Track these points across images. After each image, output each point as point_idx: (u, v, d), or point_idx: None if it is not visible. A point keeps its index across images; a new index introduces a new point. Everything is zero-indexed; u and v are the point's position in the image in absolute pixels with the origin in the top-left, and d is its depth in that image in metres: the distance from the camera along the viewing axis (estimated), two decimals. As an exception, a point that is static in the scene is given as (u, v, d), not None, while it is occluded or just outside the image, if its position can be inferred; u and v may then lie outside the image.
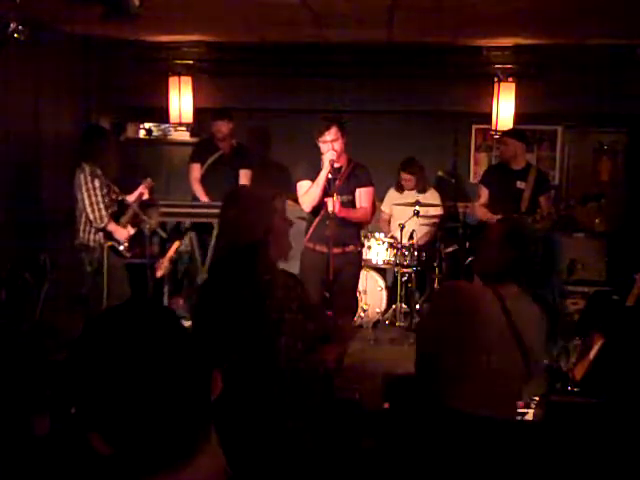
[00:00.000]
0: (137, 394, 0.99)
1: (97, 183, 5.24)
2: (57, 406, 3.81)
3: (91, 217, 5.26)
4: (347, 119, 4.93)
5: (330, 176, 4.69)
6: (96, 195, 5.24)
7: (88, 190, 5.23)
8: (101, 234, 5.32)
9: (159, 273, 5.98)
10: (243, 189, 3.92)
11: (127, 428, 1.00)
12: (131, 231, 5.45)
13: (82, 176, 5.24)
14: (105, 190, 5.32)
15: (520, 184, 5.59)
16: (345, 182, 4.83)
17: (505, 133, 5.87)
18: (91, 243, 5.34)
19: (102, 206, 5.26)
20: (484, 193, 5.85)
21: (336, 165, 4.73)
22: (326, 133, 4.69)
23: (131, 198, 5.47)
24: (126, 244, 5.43)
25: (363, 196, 4.87)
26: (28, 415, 1.71)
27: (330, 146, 4.69)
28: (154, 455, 1.02)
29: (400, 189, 6.53)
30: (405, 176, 6.42)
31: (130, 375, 1.00)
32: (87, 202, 5.23)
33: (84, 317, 5.82)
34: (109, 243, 5.31)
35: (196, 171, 6.10)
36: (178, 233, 6.26)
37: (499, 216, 5.50)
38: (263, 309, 2.35)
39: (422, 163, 6.50)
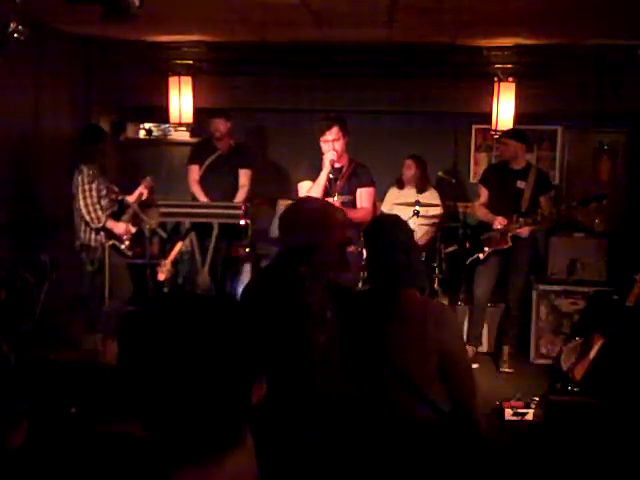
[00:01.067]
0: (183, 382, 1.00)
1: (94, 185, 5.26)
2: (55, 404, 3.81)
3: (87, 218, 5.27)
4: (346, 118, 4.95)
5: (331, 176, 4.69)
6: (92, 197, 5.25)
7: (84, 192, 5.25)
8: (102, 234, 5.32)
9: (161, 276, 5.99)
10: (308, 197, 3.91)
11: (166, 416, 1.01)
12: (132, 229, 5.46)
13: (80, 178, 5.26)
14: (104, 191, 5.33)
15: (520, 184, 5.57)
16: (346, 182, 4.83)
17: (505, 134, 5.83)
18: (92, 243, 5.34)
19: (98, 207, 5.27)
20: (484, 193, 5.83)
21: (337, 165, 4.73)
22: (327, 132, 4.69)
23: (131, 198, 5.48)
24: (127, 242, 5.43)
25: (364, 196, 4.87)
26: (1, 427, 1.70)
27: (331, 146, 4.70)
28: (184, 447, 1.02)
29: (400, 185, 6.52)
30: (408, 162, 6.41)
31: (178, 363, 1.00)
32: (82, 203, 5.25)
33: (84, 317, 5.84)
34: (110, 242, 5.32)
35: (195, 173, 6.08)
36: (178, 234, 6.26)
37: (500, 217, 5.51)
38: (304, 307, 2.36)
39: (421, 162, 6.50)
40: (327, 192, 4.70)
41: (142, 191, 5.56)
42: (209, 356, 1.01)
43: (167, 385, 1.00)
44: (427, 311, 2.58)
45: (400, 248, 2.63)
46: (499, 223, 5.48)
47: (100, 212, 5.28)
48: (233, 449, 1.04)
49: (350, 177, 4.85)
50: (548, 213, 5.41)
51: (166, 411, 1.01)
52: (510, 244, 5.46)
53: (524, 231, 5.42)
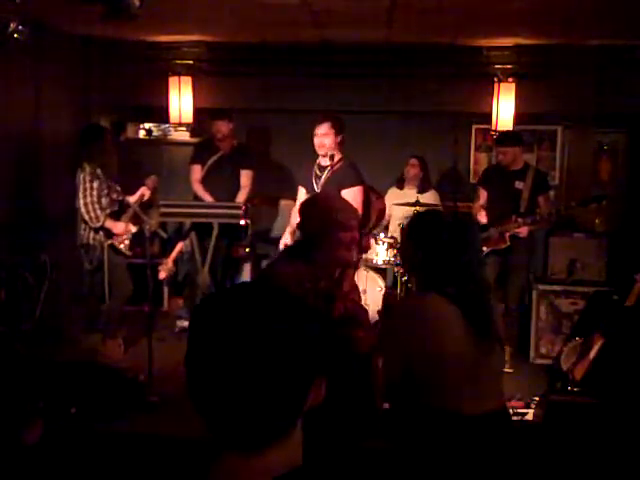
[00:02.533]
0: (245, 374, 1.01)
1: (95, 184, 5.26)
2: (55, 404, 3.81)
3: (86, 217, 5.27)
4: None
5: (317, 172, 4.75)
6: (92, 195, 5.25)
7: (85, 190, 5.25)
8: (102, 233, 5.33)
9: (162, 275, 5.99)
10: (326, 193, 4.03)
11: (223, 405, 1.03)
12: (132, 228, 5.46)
13: (82, 176, 5.27)
14: (105, 190, 5.33)
15: (518, 184, 5.57)
16: (328, 182, 4.87)
17: (500, 143, 5.71)
18: (91, 241, 5.34)
19: (97, 206, 5.27)
20: (482, 194, 5.83)
21: (324, 163, 4.78)
22: (317, 127, 4.77)
23: (132, 199, 5.47)
24: (127, 242, 5.43)
25: (348, 197, 4.87)
26: (17, 424, 1.71)
27: (320, 141, 4.76)
28: (233, 434, 1.04)
29: (401, 185, 6.52)
30: (413, 161, 6.41)
31: (244, 355, 1.01)
32: (82, 202, 5.26)
33: (84, 317, 5.85)
34: (109, 242, 5.32)
35: (197, 172, 6.09)
36: (180, 234, 6.27)
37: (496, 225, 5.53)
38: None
39: (424, 162, 6.51)
40: (312, 189, 4.78)
41: (144, 192, 5.55)
42: (274, 353, 1.02)
43: (228, 376, 1.02)
44: None
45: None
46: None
47: (99, 211, 5.28)
48: (280, 441, 1.06)
49: (332, 176, 4.89)
50: (547, 213, 5.41)
51: (224, 401, 1.03)
52: (508, 244, 5.47)
53: (523, 231, 5.43)
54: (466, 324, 2.34)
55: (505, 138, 5.76)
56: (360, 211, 5.06)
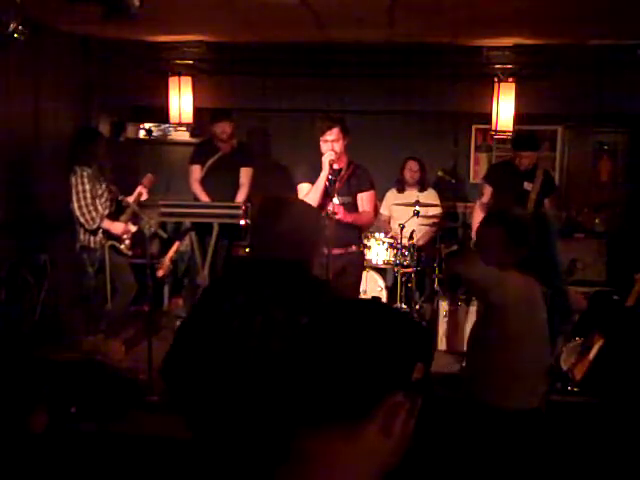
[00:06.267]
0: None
1: (88, 186, 5.26)
2: (55, 403, 3.81)
3: (82, 220, 5.27)
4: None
5: (330, 177, 4.68)
6: (85, 198, 5.25)
7: (78, 193, 5.25)
8: (101, 234, 5.33)
9: (160, 272, 5.98)
10: (297, 201, 3.68)
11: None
12: (132, 228, 5.45)
13: (73, 179, 5.27)
14: (100, 191, 5.33)
15: (527, 185, 5.50)
16: (345, 184, 4.82)
17: (521, 148, 5.56)
18: (92, 244, 5.34)
19: (92, 208, 5.27)
20: (487, 191, 5.75)
21: (336, 167, 4.73)
22: (327, 133, 4.68)
23: (130, 198, 5.47)
24: (127, 241, 5.44)
25: (365, 200, 4.87)
26: (24, 412, 1.71)
27: (330, 146, 4.69)
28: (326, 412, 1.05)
29: (401, 188, 6.52)
30: (412, 164, 6.40)
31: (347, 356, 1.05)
32: (76, 205, 5.25)
33: (84, 317, 5.84)
34: (109, 243, 5.32)
35: (196, 173, 6.09)
36: (179, 233, 6.26)
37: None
38: None
39: (422, 163, 6.50)
40: (326, 194, 4.69)
41: (141, 191, 5.55)
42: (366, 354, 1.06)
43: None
44: None
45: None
46: None
47: (94, 213, 5.27)
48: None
49: (349, 179, 4.85)
50: (553, 216, 5.38)
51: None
52: None
53: None
54: None
55: (525, 142, 5.64)
56: (373, 213, 5.09)
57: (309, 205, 2.92)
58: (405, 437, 1.07)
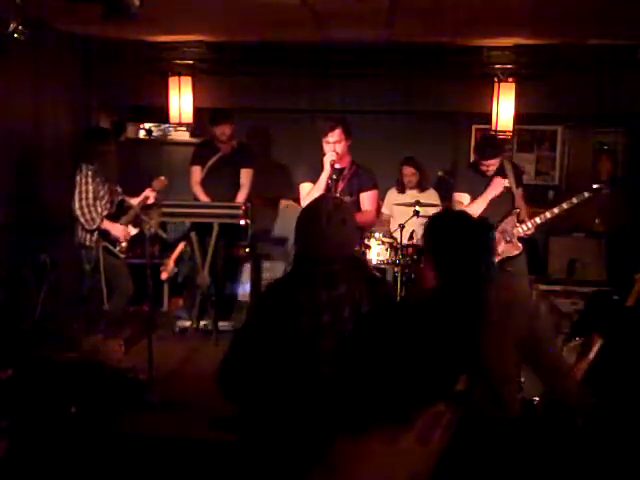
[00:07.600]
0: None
1: (91, 186, 5.24)
2: (55, 403, 3.80)
3: (82, 220, 5.26)
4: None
5: (334, 177, 4.69)
6: (87, 198, 5.24)
7: (80, 192, 5.24)
8: (97, 234, 5.31)
9: (164, 275, 5.99)
10: (343, 201, 3.62)
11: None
12: (132, 231, 5.44)
13: (78, 177, 5.26)
14: (102, 192, 5.32)
15: (506, 182, 5.12)
16: (347, 184, 4.83)
17: (487, 156, 5.05)
18: (88, 242, 5.33)
19: (93, 209, 5.25)
20: (463, 199, 5.18)
21: (338, 166, 4.73)
22: (330, 134, 4.69)
23: (135, 201, 5.45)
24: (124, 244, 5.41)
25: (367, 199, 4.87)
26: None
27: (332, 147, 4.70)
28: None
29: (401, 189, 6.51)
30: (408, 170, 6.39)
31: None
32: (77, 205, 5.24)
33: (84, 317, 5.84)
34: (104, 243, 5.30)
35: (197, 174, 6.09)
36: (180, 234, 6.26)
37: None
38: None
39: (422, 163, 6.50)
40: (327, 189, 4.71)
41: (148, 194, 5.52)
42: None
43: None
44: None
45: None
46: None
47: (95, 214, 5.26)
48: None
49: (351, 179, 4.85)
50: (550, 212, 5.18)
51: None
52: (521, 248, 5.14)
53: (530, 231, 5.22)
54: None
55: (490, 150, 5.08)
56: (375, 213, 5.08)
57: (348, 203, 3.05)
58: (440, 448, 1.06)
